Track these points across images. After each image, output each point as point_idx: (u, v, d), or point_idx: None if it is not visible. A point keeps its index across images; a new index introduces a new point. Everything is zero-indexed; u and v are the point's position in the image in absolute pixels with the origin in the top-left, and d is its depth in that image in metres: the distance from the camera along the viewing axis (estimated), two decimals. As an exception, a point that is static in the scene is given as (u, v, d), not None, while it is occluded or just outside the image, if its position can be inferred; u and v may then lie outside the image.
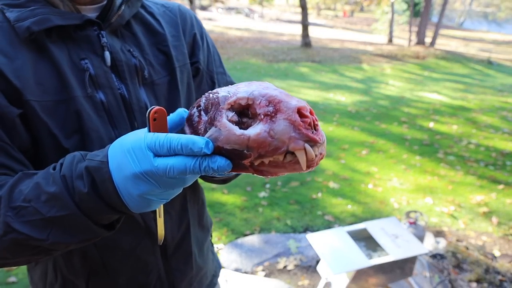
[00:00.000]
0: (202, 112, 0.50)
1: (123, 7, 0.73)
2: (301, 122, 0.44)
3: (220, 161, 0.46)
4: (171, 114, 0.54)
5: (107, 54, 0.70)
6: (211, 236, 1.05)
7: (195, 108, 0.52)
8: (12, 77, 0.63)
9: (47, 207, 0.53)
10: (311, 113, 0.46)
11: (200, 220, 0.95)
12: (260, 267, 2.59)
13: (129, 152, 0.48)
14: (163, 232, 0.63)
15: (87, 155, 0.54)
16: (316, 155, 0.45)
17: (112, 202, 0.52)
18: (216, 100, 0.48)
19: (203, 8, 28.35)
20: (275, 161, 0.45)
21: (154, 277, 0.83)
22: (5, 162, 0.62)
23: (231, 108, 0.47)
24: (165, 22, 0.82)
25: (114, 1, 0.72)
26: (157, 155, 0.47)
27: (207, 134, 0.46)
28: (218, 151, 0.46)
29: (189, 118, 0.53)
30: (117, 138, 0.70)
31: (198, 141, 0.45)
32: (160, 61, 0.78)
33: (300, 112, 0.45)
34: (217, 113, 0.47)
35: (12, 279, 2.41)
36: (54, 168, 0.56)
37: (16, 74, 0.63)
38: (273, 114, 0.44)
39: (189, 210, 0.87)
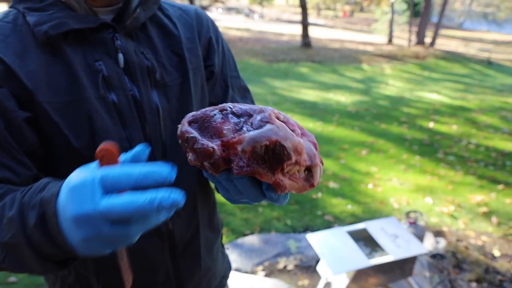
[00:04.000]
0: (231, 115, 0.51)
1: (138, 10, 0.74)
2: (314, 140, 0.53)
3: (176, 195, 0.41)
4: (128, 153, 0.47)
5: (120, 56, 0.72)
6: (222, 237, 1.05)
7: (216, 110, 0.51)
8: (25, 79, 0.65)
9: (4, 231, 0.52)
10: None
11: (210, 221, 0.95)
12: (260, 267, 2.59)
13: (72, 190, 0.43)
14: (130, 277, 0.55)
15: (49, 184, 0.50)
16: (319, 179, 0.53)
17: (58, 241, 0.47)
18: (257, 108, 0.51)
19: (203, 8, 28.35)
20: (295, 173, 0.49)
21: (162, 276, 0.83)
22: (9, 164, 0.64)
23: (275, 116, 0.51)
24: (181, 24, 0.82)
25: (130, 3, 0.73)
26: (108, 192, 0.42)
27: (266, 128, 0.47)
28: (273, 145, 0.46)
29: (200, 119, 0.51)
30: (127, 138, 0.72)
31: (161, 170, 0.41)
32: (174, 63, 0.79)
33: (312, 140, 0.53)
34: (269, 116, 0.49)
35: (12, 279, 2.41)
36: (22, 191, 0.54)
37: (30, 76, 0.65)
38: (301, 135, 0.52)
39: (199, 210, 0.87)
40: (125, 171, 0.42)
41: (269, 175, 0.47)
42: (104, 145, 0.44)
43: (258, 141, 0.46)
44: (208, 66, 0.86)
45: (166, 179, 0.42)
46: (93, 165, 0.46)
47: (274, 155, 0.47)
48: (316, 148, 0.51)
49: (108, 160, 0.44)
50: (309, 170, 0.51)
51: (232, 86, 0.90)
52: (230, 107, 0.51)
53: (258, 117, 0.49)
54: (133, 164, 0.44)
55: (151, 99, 0.75)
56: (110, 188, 0.42)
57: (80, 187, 0.42)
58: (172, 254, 0.84)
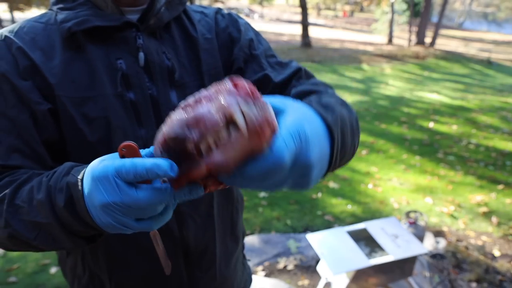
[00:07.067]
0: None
1: (162, 10, 0.76)
2: (234, 88, 0.43)
3: (196, 189, 0.46)
4: (151, 148, 0.50)
5: (141, 55, 0.73)
6: (243, 246, 1.02)
7: None
8: (48, 74, 0.69)
9: (35, 211, 0.56)
10: (251, 89, 0.44)
11: (233, 229, 0.92)
12: (260, 267, 2.59)
13: (97, 180, 0.46)
14: (168, 262, 0.62)
15: (73, 169, 0.55)
16: (256, 117, 0.41)
17: (86, 220, 0.52)
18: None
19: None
20: (222, 142, 0.41)
21: (175, 282, 0.83)
22: (29, 153, 0.67)
23: (183, 108, 0.46)
24: (200, 26, 0.83)
25: (155, 4, 0.75)
26: (127, 182, 0.46)
27: (159, 133, 0.45)
28: (166, 146, 0.44)
29: None
30: (143, 137, 0.73)
31: (162, 164, 0.43)
32: (194, 64, 0.80)
33: (234, 83, 0.44)
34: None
35: (12, 279, 2.41)
36: (48, 175, 0.58)
37: (52, 71, 0.69)
38: (212, 96, 0.43)
39: (215, 217, 0.85)
40: (133, 165, 0.45)
41: (197, 169, 0.43)
42: (125, 144, 0.47)
43: (155, 152, 0.46)
44: (233, 62, 0.83)
45: (166, 173, 0.43)
46: (113, 154, 0.50)
47: (176, 152, 0.43)
48: (230, 93, 0.42)
49: (130, 156, 0.47)
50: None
51: (270, 64, 0.83)
52: None
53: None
54: (143, 159, 0.46)
55: (169, 99, 0.75)
56: (126, 179, 0.45)
57: (103, 178, 0.46)
58: (186, 261, 0.82)
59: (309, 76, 0.83)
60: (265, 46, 0.86)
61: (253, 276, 2.41)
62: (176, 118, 0.43)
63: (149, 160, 0.44)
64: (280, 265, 2.61)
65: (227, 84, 0.44)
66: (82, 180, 0.51)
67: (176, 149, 0.43)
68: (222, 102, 0.41)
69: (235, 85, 0.43)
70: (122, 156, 0.47)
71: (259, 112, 0.41)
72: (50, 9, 0.77)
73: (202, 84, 0.79)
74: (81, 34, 0.71)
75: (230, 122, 0.40)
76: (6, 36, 0.71)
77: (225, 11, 0.89)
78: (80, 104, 0.70)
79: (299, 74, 0.81)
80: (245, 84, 0.43)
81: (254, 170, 0.41)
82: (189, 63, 0.79)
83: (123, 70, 0.72)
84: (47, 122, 0.69)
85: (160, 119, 0.75)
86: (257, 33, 0.88)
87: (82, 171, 0.52)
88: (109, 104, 0.70)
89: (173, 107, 0.73)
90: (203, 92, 0.45)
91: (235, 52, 0.83)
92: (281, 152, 0.40)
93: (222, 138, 0.41)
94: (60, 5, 0.74)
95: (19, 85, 0.67)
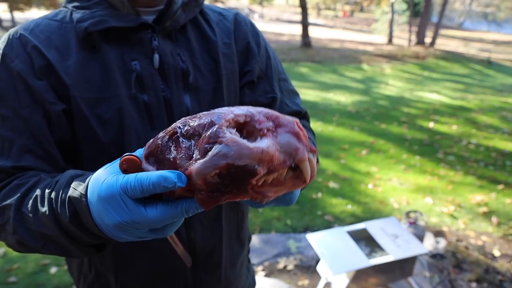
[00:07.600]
0: (182, 139, 0.44)
1: (178, 12, 0.75)
2: (303, 134, 0.44)
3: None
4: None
5: (156, 57, 0.73)
6: (249, 251, 1.02)
7: (166, 137, 0.46)
8: (63, 74, 0.68)
9: (40, 223, 0.56)
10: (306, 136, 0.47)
11: (238, 233, 0.92)
12: (260, 267, 2.59)
13: (105, 201, 0.46)
14: (188, 256, 0.64)
15: (73, 182, 0.53)
16: (315, 168, 0.45)
17: (94, 232, 0.52)
18: (207, 121, 0.43)
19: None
20: (277, 178, 0.43)
21: (181, 284, 0.83)
22: (41, 154, 0.67)
23: (230, 125, 0.43)
24: (219, 29, 0.82)
25: (172, 5, 0.74)
26: (135, 199, 0.45)
27: (212, 153, 0.41)
28: (226, 170, 0.40)
29: (154, 152, 0.47)
30: None
31: (169, 176, 0.42)
32: (209, 67, 0.79)
33: (298, 125, 0.45)
34: (217, 131, 0.42)
35: (12, 279, 2.41)
36: (50, 186, 0.57)
37: (67, 71, 0.69)
38: (273, 129, 0.43)
39: (223, 220, 0.85)
40: (138, 181, 0.44)
41: (242, 194, 0.42)
42: (126, 158, 0.46)
43: (205, 173, 0.41)
44: (247, 72, 0.83)
45: (176, 185, 0.42)
46: (115, 165, 0.48)
47: (233, 178, 0.41)
48: (299, 138, 0.43)
49: (132, 169, 0.46)
50: (297, 167, 0.44)
51: (281, 89, 0.87)
52: (180, 128, 0.45)
53: (206, 136, 0.42)
54: (148, 173, 0.44)
55: (182, 102, 0.75)
56: (133, 196, 0.44)
57: (110, 198, 0.45)
58: (193, 263, 0.82)
59: (305, 118, 0.91)
60: (280, 68, 0.89)
61: (253, 276, 2.41)
62: (247, 147, 0.41)
63: (154, 174, 0.43)
64: (280, 265, 2.61)
65: (291, 123, 0.44)
66: (85, 195, 0.50)
67: (234, 176, 0.41)
68: (292, 145, 0.43)
69: (298, 126, 0.45)
70: (124, 171, 0.46)
71: (315, 161, 0.46)
72: (65, 6, 0.75)
73: (219, 87, 0.78)
74: (96, 34, 0.70)
75: (294, 164, 0.44)
76: (21, 34, 0.69)
77: (248, 19, 0.89)
78: (94, 105, 0.69)
79: (300, 115, 0.88)
80: (305, 130, 0.46)
81: (283, 201, 0.50)
82: (205, 66, 0.78)
83: (137, 72, 0.72)
84: (61, 123, 0.68)
85: (172, 122, 0.73)
86: (273, 52, 0.90)
87: (83, 185, 0.51)
88: (122, 106, 0.70)
89: (186, 110, 0.74)
90: (255, 113, 0.44)
91: (251, 64, 0.83)
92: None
93: (280, 177, 0.44)
94: (76, 3, 0.73)
95: (34, 84, 0.66)
